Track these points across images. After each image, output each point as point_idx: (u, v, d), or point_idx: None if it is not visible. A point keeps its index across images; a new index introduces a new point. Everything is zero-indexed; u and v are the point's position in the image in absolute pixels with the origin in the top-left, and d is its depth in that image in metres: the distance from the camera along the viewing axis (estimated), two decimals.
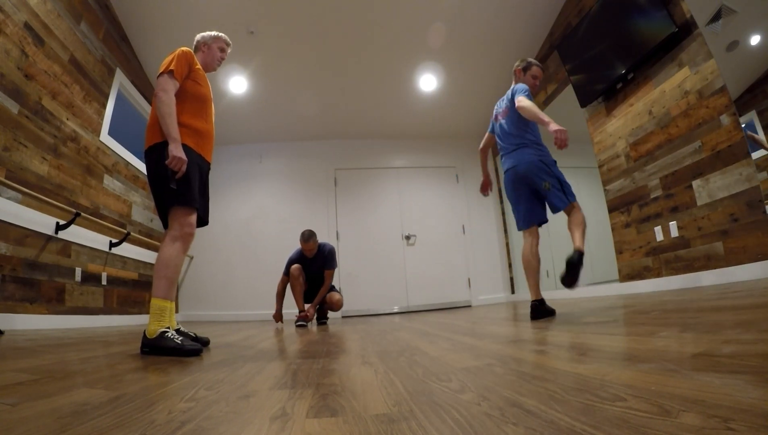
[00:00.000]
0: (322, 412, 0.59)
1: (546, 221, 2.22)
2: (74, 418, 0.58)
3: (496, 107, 2.43)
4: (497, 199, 5.78)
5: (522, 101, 2.10)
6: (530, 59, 2.34)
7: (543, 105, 4.50)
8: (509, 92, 2.29)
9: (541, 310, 2.03)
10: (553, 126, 1.91)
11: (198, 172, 1.62)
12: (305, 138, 5.61)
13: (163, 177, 1.51)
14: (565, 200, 2.07)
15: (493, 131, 2.45)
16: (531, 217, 2.20)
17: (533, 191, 2.19)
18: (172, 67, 1.55)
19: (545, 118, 1.98)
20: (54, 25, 2.88)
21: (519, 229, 2.26)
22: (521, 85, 2.23)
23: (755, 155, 2.56)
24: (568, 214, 2.09)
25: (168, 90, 1.53)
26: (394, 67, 4.63)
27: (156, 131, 1.54)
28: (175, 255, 1.51)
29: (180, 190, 1.52)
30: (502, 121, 2.32)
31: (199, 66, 1.71)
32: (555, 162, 2.17)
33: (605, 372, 0.69)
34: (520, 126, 2.21)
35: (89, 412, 0.62)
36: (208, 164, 1.74)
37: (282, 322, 3.60)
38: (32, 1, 2.66)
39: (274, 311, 3.57)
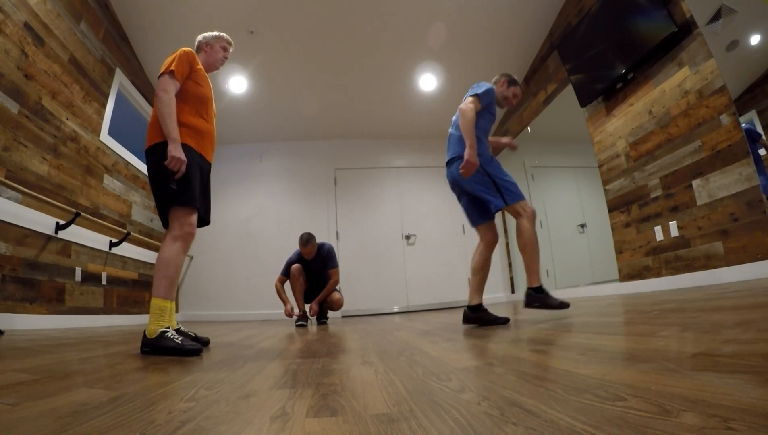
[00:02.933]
0: (322, 411, 0.59)
1: (491, 218, 2.09)
2: (74, 418, 0.58)
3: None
4: None
5: (467, 105, 1.88)
6: (516, 78, 2.17)
7: (543, 105, 4.50)
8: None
9: (470, 316, 1.95)
10: (466, 154, 1.82)
11: (199, 172, 1.62)
12: (305, 138, 5.61)
13: (164, 177, 1.51)
14: (501, 202, 1.92)
15: None
16: (472, 219, 2.13)
17: (468, 193, 2.07)
18: (173, 68, 1.56)
19: (468, 140, 1.83)
20: (54, 25, 2.88)
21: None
22: (483, 84, 2.00)
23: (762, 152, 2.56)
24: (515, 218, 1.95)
25: (168, 90, 1.54)
26: (394, 67, 4.63)
27: (157, 131, 1.54)
28: (175, 255, 1.51)
29: (180, 189, 1.52)
30: (454, 118, 2.16)
31: (200, 66, 1.71)
32: (491, 158, 1.99)
33: (605, 372, 0.69)
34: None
35: (89, 412, 0.62)
36: (209, 164, 1.74)
37: (302, 312, 3.37)
38: (32, 1, 2.66)
39: (284, 309, 3.41)
